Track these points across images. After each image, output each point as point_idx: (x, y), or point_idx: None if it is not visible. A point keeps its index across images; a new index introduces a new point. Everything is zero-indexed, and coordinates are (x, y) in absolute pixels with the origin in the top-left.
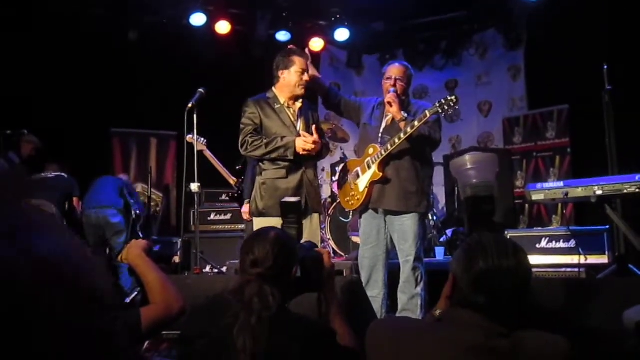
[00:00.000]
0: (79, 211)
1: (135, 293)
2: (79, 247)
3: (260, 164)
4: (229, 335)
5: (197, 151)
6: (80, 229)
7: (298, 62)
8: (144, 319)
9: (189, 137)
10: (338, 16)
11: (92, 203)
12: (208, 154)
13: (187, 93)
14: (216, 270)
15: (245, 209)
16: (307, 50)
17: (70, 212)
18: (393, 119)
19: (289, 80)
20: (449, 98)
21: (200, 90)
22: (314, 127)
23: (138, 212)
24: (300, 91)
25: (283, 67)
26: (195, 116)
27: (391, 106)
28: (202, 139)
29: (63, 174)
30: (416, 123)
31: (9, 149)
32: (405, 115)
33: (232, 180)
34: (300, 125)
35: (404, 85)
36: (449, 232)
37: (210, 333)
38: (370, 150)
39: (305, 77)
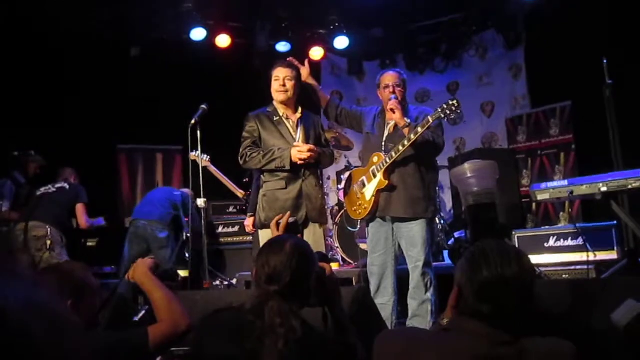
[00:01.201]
0: (85, 219)
1: (144, 311)
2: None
3: (262, 176)
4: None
5: (202, 167)
6: (89, 236)
7: (275, 71)
8: (151, 337)
9: (192, 154)
10: (337, 24)
11: (142, 215)
12: (213, 169)
13: (190, 107)
14: (226, 283)
15: (248, 222)
16: (306, 62)
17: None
18: (395, 126)
19: (272, 91)
20: (451, 102)
21: (203, 106)
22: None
23: (188, 234)
24: (279, 97)
25: (269, 81)
26: (198, 132)
27: (394, 113)
28: (205, 156)
29: (65, 185)
30: (419, 129)
31: (16, 169)
32: (409, 121)
33: (239, 193)
34: (300, 135)
35: (402, 90)
36: (456, 234)
37: (233, 356)
38: (375, 159)
39: (281, 82)
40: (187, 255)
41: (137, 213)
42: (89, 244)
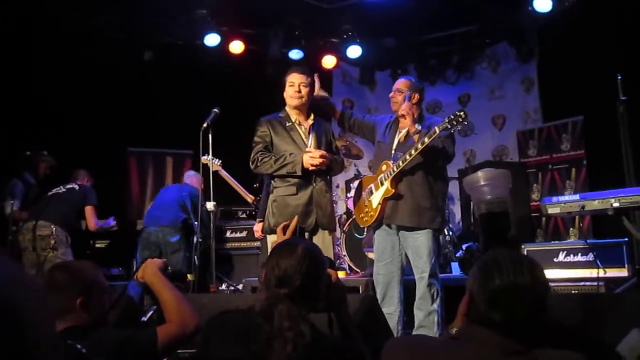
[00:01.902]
0: (94, 221)
1: (152, 311)
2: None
3: (272, 181)
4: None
5: (213, 172)
6: (98, 237)
7: (289, 77)
8: (160, 337)
9: (204, 159)
10: (350, 33)
11: (152, 220)
12: (223, 173)
13: (201, 112)
14: (232, 288)
15: (257, 227)
16: (316, 77)
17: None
18: (406, 135)
19: (285, 96)
20: (458, 113)
21: (215, 110)
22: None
23: (200, 239)
24: (294, 102)
25: (282, 85)
26: (210, 136)
27: (405, 118)
28: (217, 160)
29: (75, 186)
30: (426, 139)
31: (27, 170)
32: (420, 127)
33: (249, 198)
34: (311, 142)
35: (417, 95)
36: (464, 246)
37: (239, 357)
38: (384, 167)
39: (296, 88)
40: (195, 259)
41: (148, 218)
42: (98, 245)
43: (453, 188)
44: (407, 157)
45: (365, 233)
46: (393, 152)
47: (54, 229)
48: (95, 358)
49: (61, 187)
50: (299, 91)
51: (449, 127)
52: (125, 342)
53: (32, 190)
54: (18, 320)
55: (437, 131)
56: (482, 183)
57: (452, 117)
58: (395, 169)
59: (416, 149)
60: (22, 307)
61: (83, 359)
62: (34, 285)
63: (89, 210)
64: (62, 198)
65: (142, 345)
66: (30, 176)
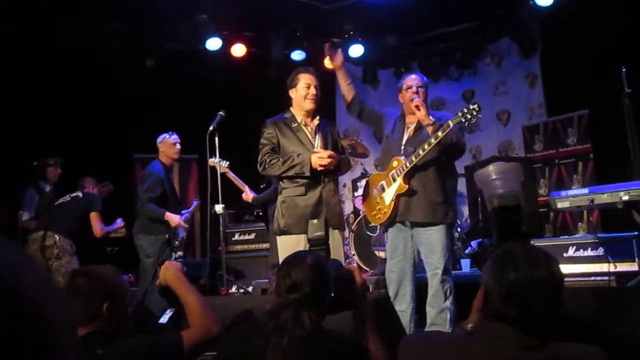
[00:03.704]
0: (99, 227)
1: (170, 313)
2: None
3: (281, 182)
4: (262, 355)
5: (220, 174)
6: (108, 244)
7: (302, 78)
8: (185, 342)
9: (211, 161)
10: (351, 33)
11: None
12: (231, 175)
13: (206, 116)
14: (242, 291)
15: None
16: (339, 51)
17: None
18: (415, 130)
19: (298, 97)
20: (471, 107)
21: (220, 113)
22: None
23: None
24: (309, 105)
25: (291, 87)
26: (216, 139)
27: (419, 110)
28: (224, 162)
29: (79, 194)
30: (440, 134)
31: (39, 178)
32: (433, 119)
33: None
34: (318, 142)
35: (424, 92)
36: (473, 243)
37: (245, 353)
38: (395, 163)
39: (312, 90)
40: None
41: None
42: (108, 250)
43: (460, 185)
44: (421, 152)
45: (377, 231)
46: (403, 147)
47: (57, 238)
48: None
49: (67, 196)
50: (316, 94)
51: (463, 120)
52: (152, 347)
53: (46, 197)
54: (43, 323)
55: (451, 125)
56: (494, 177)
57: (466, 110)
58: (408, 165)
59: (429, 144)
60: (48, 310)
61: None
62: (57, 288)
63: (93, 216)
64: (66, 207)
65: (169, 350)
66: (44, 183)
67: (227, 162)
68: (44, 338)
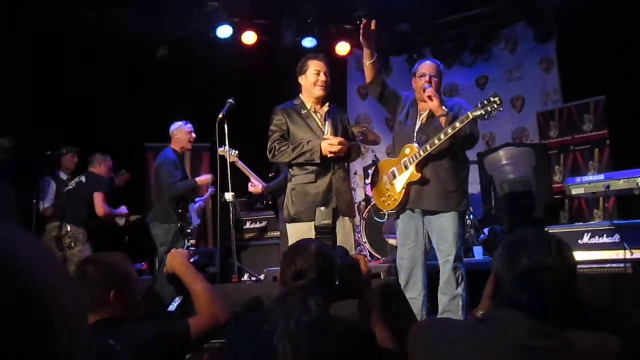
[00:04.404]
0: (102, 207)
1: (178, 301)
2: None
3: (290, 170)
4: (270, 341)
5: (230, 163)
6: (121, 233)
7: (312, 65)
8: (192, 329)
9: (220, 150)
10: (363, 19)
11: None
12: (240, 164)
13: (216, 105)
14: (254, 279)
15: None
16: (374, 23)
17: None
18: (428, 118)
19: (308, 84)
20: (492, 100)
21: (230, 100)
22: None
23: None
24: (319, 92)
25: (301, 73)
26: (226, 127)
27: (432, 100)
28: (234, 151)
29: (83, 179)
30: (458, 124)
31: (56, 168)
32: (447, 110)
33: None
34: (328, 129)
35: (438, 81)
36: (486, 231)
37: (253, 340)
38: (407, 151)
39: (322, 77)
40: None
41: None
42: (125, 239)
43: (473, 172)
44: (436, 141)
45: (386, 217)
46: (415, 134)
47: (70, 228)
48: (130, 350)
49: (73, 182)
50: (326, 80)
51: (483, 113)
52: (160, 334)
53: (63, 186)
54: (53, 310)
55: (471, 117)
56: (505, 162)
57: (487, 102)
58: (422, 154)
59: (446, 134)
60: (58, 296)
61: (114, 354)
62: (69, 275)
63: (97, 197)
64: (73, 195)
65: (176, 337)
66: (62, 172)
67: (237, 152)
68: (53, 324)
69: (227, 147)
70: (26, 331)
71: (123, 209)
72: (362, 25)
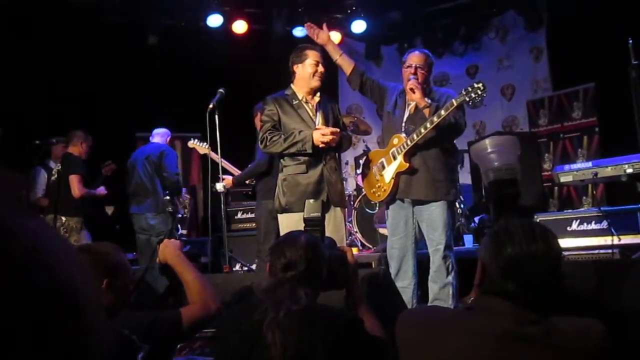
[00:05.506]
0: (78, 188)
1: (167, 293)
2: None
3: (281, 160)
4: (259, 330)
5: (203, 154)
6: (113, 222)
7: (311, 55)
8: (184, 318)
9: (190, 143)
10: (354, 8)
11: (134, 207)
12: (214, 155)
13: (207, 94)
14: (246, 268)
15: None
16: (324, 26)
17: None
18: (416, 107)
19: (304, 74)
20: (476, 85)
21: (221, 90)
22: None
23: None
24: (315, 83)
25: (297, 62)
26: (216, 116)
27: (414, 93)
28: (204, 143)
29: (58, 166)
30: (442, 112)
31: (45, 157)
32: (429, 101)
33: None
34: (319, 119)
35: (425, 73)
36: (476, 219)
37: (243, 329)
38: (395, 141)
39: (320, 68)
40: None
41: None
42: (116, 227)
43: (465, 161)
44: (422, 130)
45: (377, 208)
46: (403, 124)
47: (64, 219)
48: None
49: (54, 172)
50: (323, 71)
51: (467, 99)
52: (151, 323)
53: (53, 176)
54: (85, 303)
55: (455, 104)
56: (489, 150)
57: (470, 89)
58: (408, 143)
59: (432, 122)
60: (86, 289)
61: (130, 344)
62: (87, 267)
63: (72, 179)
64: (57, 185)
65: (168, 327)
66: (52, 162)
67: (207, 144)
68: (86, 317)
69: (196, 140)
70: (62, 325)
71: (101, 189)
72: (308, 30)
